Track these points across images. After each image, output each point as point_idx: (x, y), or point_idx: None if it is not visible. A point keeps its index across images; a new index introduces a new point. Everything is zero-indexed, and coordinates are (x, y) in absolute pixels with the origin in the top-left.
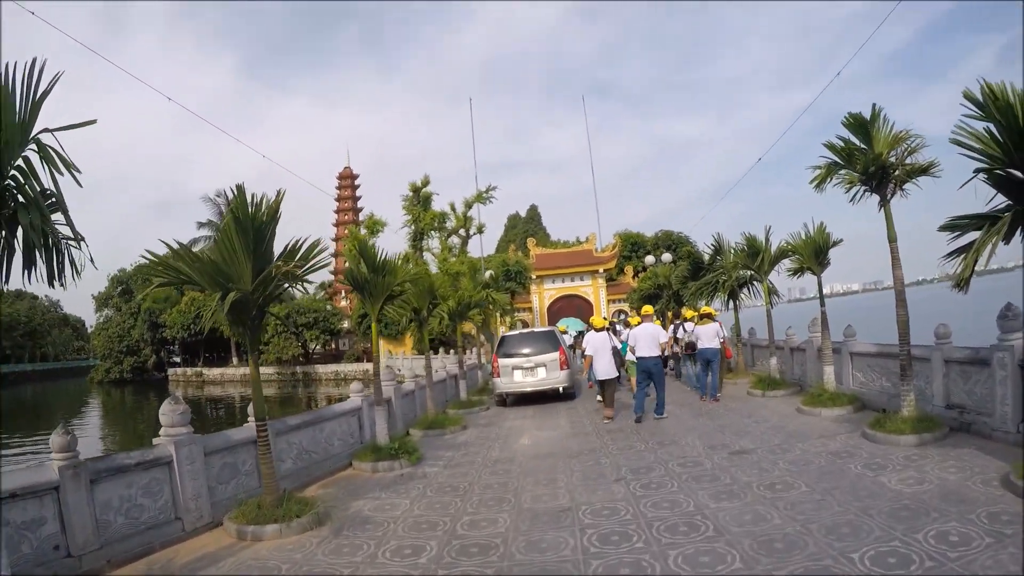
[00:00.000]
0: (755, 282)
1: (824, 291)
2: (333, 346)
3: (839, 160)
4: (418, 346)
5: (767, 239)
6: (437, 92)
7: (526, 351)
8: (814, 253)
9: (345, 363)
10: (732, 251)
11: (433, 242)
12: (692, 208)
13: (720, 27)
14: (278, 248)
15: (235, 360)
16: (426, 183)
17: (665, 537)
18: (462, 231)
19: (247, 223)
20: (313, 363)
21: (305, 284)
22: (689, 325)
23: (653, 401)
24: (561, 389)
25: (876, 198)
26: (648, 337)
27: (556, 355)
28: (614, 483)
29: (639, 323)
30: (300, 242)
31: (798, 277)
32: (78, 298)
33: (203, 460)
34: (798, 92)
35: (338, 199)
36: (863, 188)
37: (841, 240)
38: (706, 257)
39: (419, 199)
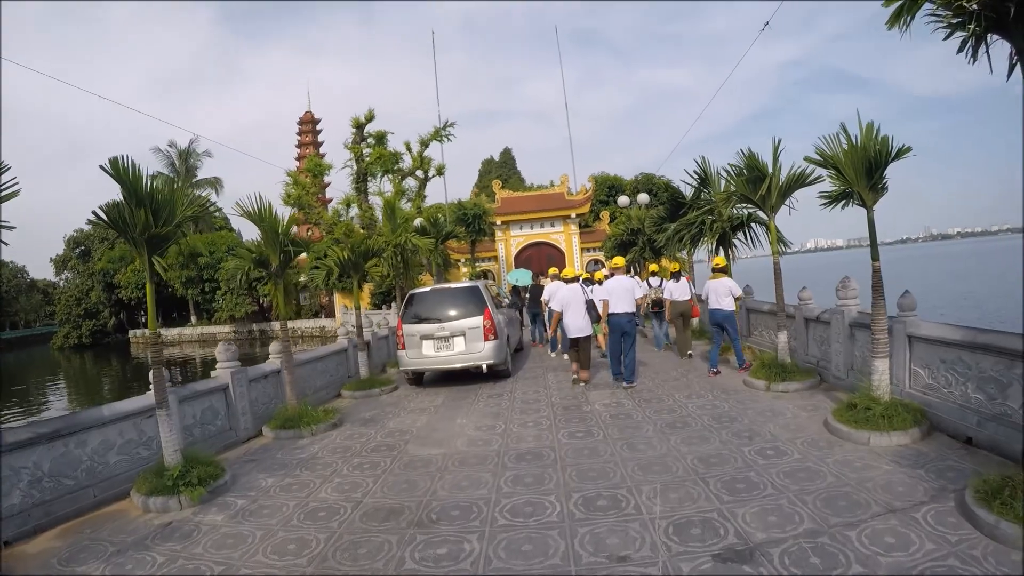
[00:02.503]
0: (754, 223)
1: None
2: (295, 302)
3: None
4: (285, 310)
5: (776, 158)
6: (417, 43)
7: (439, 315)
8: (864, 169)
9: (303, 319)
10: (724, 177)
11: (387, 185)
12: (676, 160)
13: None
14: None
15: (193, 319)
16: (370, 118)
17: None
18: (419, 172)
19: None
20: (270, 320)
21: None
22: (655, 280)
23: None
24: (485, 367)
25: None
26: (623, 291)
27: (479, 320)
28: None
29: (601, 277)
30: None
31: (842, 207)
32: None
33: None
34: (784, 47)
35: (299, 145)
36: (978, 27)
37: (908, 149)
38: (689, 192)
39: (362, 136)
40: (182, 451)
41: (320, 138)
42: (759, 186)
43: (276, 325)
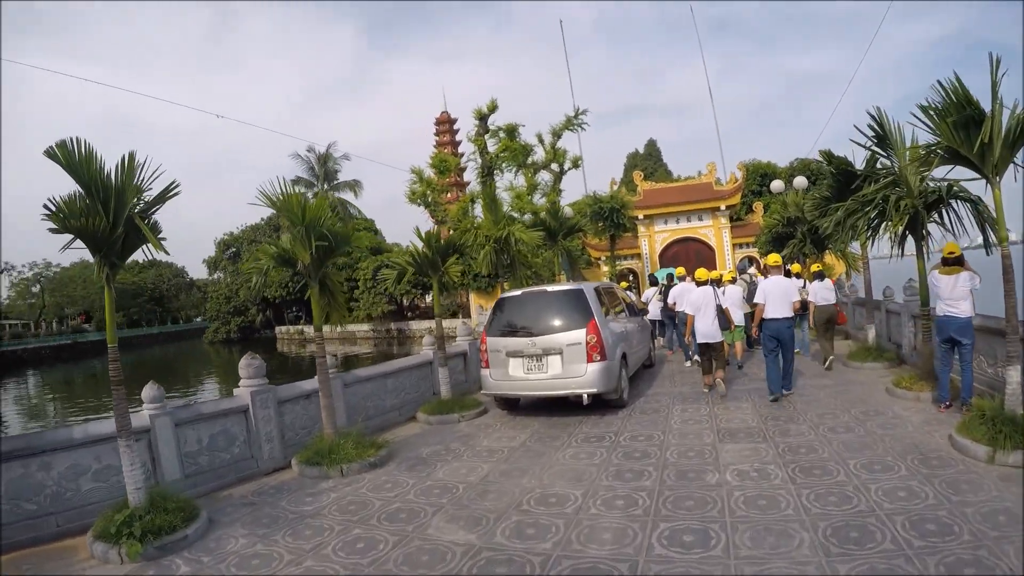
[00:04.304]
0: (956, 199)
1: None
2: (348, 307)
3: None
4: (333, 316)
5: (995, 89)
6: (552, 45)
7: (530, 326)
8: None
9: (443, 319)
10: (916, 127)
11: (520, 180)
12: (827, 146)
13: None
14: None
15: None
16: (493, 108)
17: None
18: (554, 165)
19: None
20: (408, 319)
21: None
22: (797, 281)
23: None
24: (586, 396)
25: None
26: (780, 294)
27: (581, 335)
28: None
29: (729, 278)
30: None
31: None
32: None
33: None
34: (927, 21)
35: (436, 145)
36: None
37: None
38: (861, 162)
39: (485, 128)
40: (149, 489)
41: (457, 138)
42: (973, 133)
43: (415, 324)
